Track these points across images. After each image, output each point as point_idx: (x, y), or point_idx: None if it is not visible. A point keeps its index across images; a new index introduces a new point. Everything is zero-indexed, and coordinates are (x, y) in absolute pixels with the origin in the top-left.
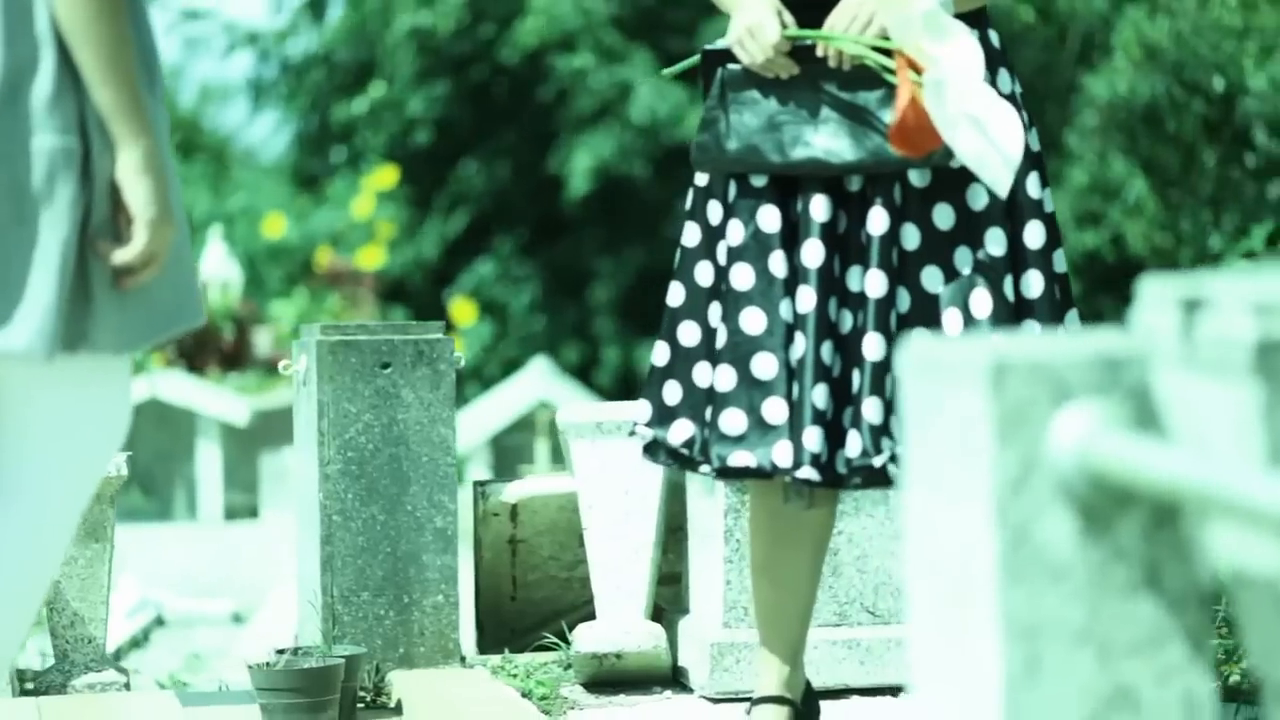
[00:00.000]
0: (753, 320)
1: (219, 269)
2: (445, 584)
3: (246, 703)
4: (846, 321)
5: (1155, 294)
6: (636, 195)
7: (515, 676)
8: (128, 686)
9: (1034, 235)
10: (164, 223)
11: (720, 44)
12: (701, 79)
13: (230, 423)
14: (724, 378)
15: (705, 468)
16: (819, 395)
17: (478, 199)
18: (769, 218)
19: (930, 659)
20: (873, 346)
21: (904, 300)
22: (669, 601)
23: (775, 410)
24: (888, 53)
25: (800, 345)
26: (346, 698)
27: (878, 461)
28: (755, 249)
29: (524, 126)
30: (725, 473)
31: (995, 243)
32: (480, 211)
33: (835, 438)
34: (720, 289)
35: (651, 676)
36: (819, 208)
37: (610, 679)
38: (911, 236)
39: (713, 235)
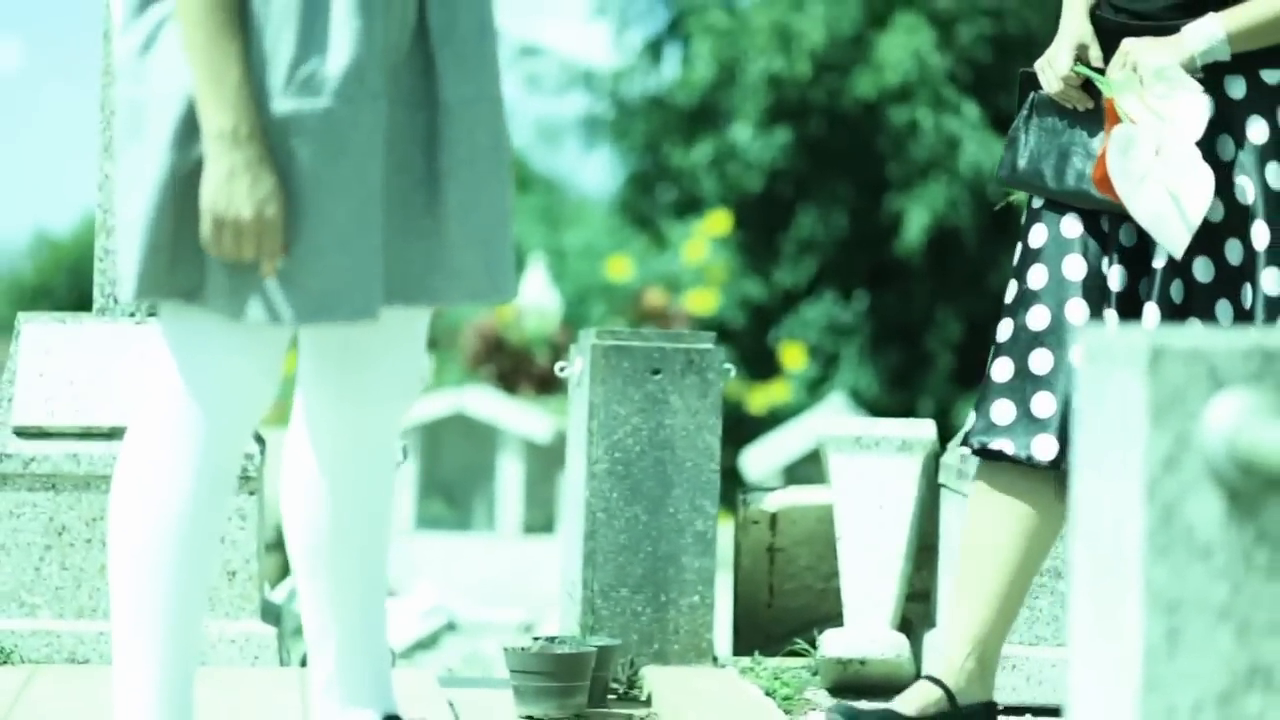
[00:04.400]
0: (1038, 317)
1: (537, 296)
2: (702, 585)
3: (501, 687)
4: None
5: None
6: (963, 248)
7: (762, 677)
8: (392, 663)
9: (1260, 235)
10: None
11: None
12: (1018, 95)
13: (533, 440)
14: (1001, 369)
15: (965, 449)
16: None
17: (812, 247)
18: (1070, 224)
19: (1085, 628)
20: None
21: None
22: (918, 617)
23: (1043, 405)
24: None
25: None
26: (598, 687)
27: None
28: (1053, 250)
29: (857, 175)
30: (982, 453)
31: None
32: (816, 260)
33: None
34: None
35: (894, 685)
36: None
37: (853, 685)
38: (1203, 269)
39: None
